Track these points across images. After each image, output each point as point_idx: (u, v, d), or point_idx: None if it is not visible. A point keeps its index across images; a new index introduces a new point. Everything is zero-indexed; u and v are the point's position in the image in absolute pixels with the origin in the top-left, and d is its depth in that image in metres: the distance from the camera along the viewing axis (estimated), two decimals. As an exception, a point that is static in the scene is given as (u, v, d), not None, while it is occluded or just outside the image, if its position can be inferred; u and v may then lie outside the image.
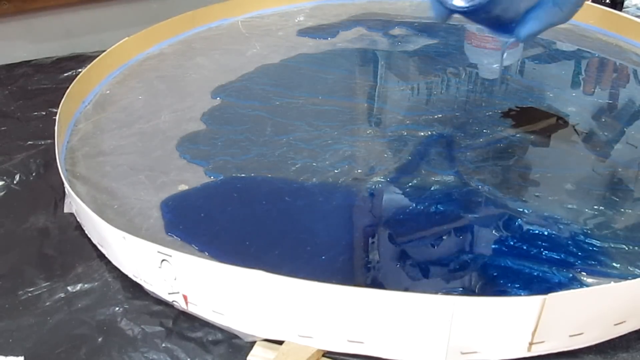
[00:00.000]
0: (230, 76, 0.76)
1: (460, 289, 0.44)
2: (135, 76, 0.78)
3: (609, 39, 0.85)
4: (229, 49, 0.84)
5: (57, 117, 0.61)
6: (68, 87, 0.67)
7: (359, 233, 0.49)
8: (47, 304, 0.45)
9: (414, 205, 0.52)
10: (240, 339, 0.41)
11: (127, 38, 0.80)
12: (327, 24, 0.93)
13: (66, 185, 0.52)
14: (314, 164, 0.58)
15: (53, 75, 0.82)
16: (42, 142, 0.65)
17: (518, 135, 0.62)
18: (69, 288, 0.46)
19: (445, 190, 0.54)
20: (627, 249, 0.47)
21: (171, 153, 0.61)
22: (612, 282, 0.43)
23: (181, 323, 0.42)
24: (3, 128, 0.69)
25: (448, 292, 0.44)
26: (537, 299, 0.36)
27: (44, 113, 0.72)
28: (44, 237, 0.52)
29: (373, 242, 0.49)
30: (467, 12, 0.48)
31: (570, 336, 0.39)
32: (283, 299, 0.38)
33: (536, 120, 0.65)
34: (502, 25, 0.48)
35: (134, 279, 0.46)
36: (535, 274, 0.45)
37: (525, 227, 0.49)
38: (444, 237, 0.49)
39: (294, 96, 0.71)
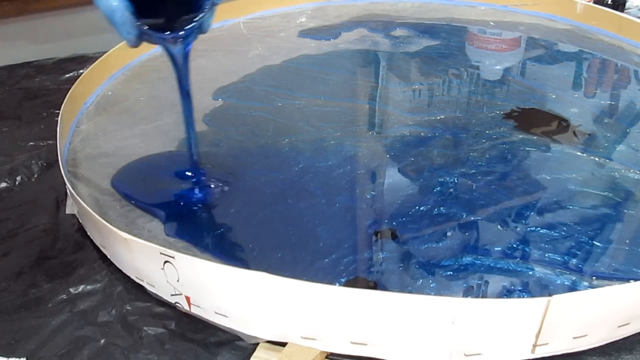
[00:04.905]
0: (232, 77, 0.76)
1: (464, 290, 0.44)
2: (137, 77, 0.78)
3: (611, 40, 0.85)
4: (230, 50, 0.84)
5: (59, 118, 0.61)
6: (70, 88, 0.67)
7: (362, 235, 0.49)
8: (50, 305, 0.45)
9: (417, 206, 0.52)
10: (243, 340, 0.41)
11: (128, 39, 0.80)
12: (328, 25, 0.93)
13: (68, 186, 0.52)
14: (317, 164, 0.58)
15: (55, 76, 0.82)
16: (44, 143, 0.65)
17: (520, 136, 0.62)
18: (71, 290, 0.46)
19: (447, 191, 0.54)
20: (630, 250, 0.47)
21: (173, 154, 0.61)
22: (616, 284, 0.43)
23: (184, 325, 0.42)
24: (5, 129, 0.69)
25: (451, 294, 0.43)
26: (541, 301, 0.36)
27: (45, 114, 0.72)
28: (46, 239, 0.51)
29: (376, 244, 0.48)
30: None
31: (574, 338, 0.38)
32: (286, 301, 0.38)
33: (538, 121, 0.65)
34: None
35: (137, 280, 0.46)
36: (539, 275, 0.45)
37: (528, 228, 0.49)
38: (447, 239, 0.48)
39: (296, 97, 0.71)
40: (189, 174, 0.56)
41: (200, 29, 0.47)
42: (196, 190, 0.54)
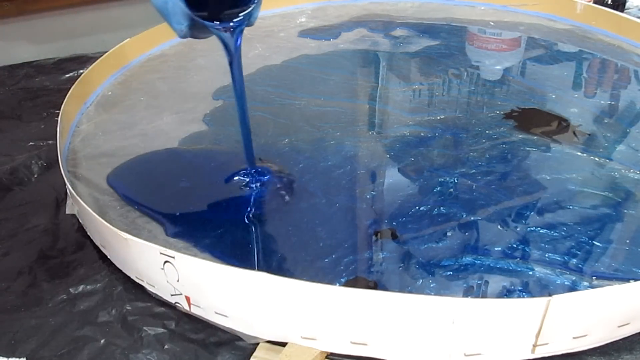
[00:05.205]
0: (232, 77, 0.76)
1: (464, 290, 0.44)
2: (137, 77, 0.78)
3: (611, 40, 0.85)
4: (230, 50, 0.84)
5: (58, 118, 0.61)
6: (70, 88, 0.67)
7: (362, 235, 0.49)
8: (50, 305, 0.45)
9: (417, 206, 0.52)
10: (243, 340, 0.41)
11: (128, 39, 0.80)
12: (328, 25, 0.93)
13: (68, 186, 0.52)
14: (317, 164, 0.58)
15: (55, 76, 0.82)
16: (44, 143, 0.65)
17: (520, 136, 0.62)
18: (71, 289, 0.46)
19: (447, 191, 0.54)
20: (630, 250, 0.47)
21: (173, 154, 0.61)
22: (616, 284, 0.43)
23: (184, 325, 0.42)
24: (5, 129, 0.69)
25: (451, 294, 0.43)
26: (541, 301, 0.36)
27: (45, 114, 0.72)
28: (46, 239, 0.51)
29: (376, 244, 0.48)
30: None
31: (574, 338, 0.38)
32: (286, 301, 0.38)
33: (538, 121, 0.65)
34: None
35: (137, 280, 0.46)
36: (539, 275, 0.45)
37: (528, 228, 0.49)
38: (447, 239, 0.48)
39: (296, 97, 0.71)
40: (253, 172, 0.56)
41: (249, 21, 0.48)
42: (253, 186, 0.55)
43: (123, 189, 0.55)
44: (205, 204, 0.54)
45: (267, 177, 0.56)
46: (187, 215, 0.52)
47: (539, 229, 0.49)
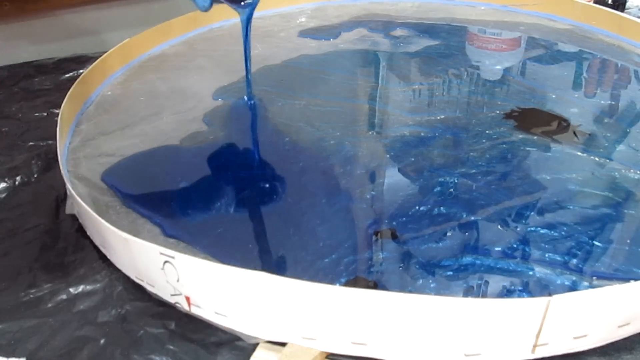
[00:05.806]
0: (232, 77, 0.76)
1: (464, 290, 0.44)
2: (137, 77, 0.78)
3: (611, 40, 0.85)
4: (230, 50, 0.84)
5: (58, 118, 0.61)
6: (69, 88, 0.67)
7: (362, 235, 0.49)
8: (49, 305, 0.45)
9: (417, 206, 0.52)
10: (243, 340, 0.41)
11: (128, 39, 0.80)
12: (328, 25, 0.93)
13: (68, 186, 0.52)
14: (317, 164, 0.58)
15: (54, 76, 0.82)
16: (44, 143, 0.65)
17: (520, 136, 0.62)
18: (71, 290, 0.46)
19: (447, 191, 0.54)
20: (630, 250, 0.47)
21: (173, 154, 0.61)
22: (616, 284, 0.43)
23: (184, 325, 0.42)
24: (4, 129, 0.69)
25: (451, 294, 0.43)
26: (541, 301, 0.36)
27: (45, 114, 0.72)
28: (46, 239, 0.51)
29: (376, 244, 0.48)
30: None
31: (574, 338, 0.38)
32: (286, 301, 0.38)
33: (538, 121, 0.65)
34: None
35: (137, 280, 0.46)
36: (539, 275, 0.45)
37: (528, 228, 0.49)
38: (447, 239, 0.48)
39: (296, 97, 0.71)
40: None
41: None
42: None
43: (119, 186, 0.55)
44: (203, 201, 0.54)
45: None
46: (183, 213, 0.52)
47: (539, 229, 0.49)
